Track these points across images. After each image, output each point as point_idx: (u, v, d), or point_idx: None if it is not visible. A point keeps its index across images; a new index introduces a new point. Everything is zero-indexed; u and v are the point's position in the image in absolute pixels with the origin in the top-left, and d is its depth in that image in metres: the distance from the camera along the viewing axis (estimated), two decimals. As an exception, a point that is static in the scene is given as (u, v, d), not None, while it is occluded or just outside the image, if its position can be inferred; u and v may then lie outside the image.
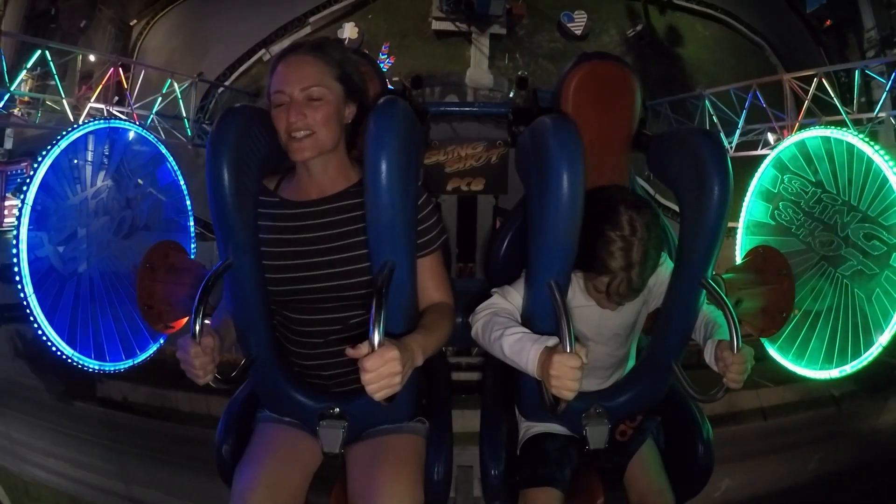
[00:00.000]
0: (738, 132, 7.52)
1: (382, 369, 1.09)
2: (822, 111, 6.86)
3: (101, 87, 7.28)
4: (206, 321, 1.25)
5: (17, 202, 2.08)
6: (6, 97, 5.88)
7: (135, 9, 10.79)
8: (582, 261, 1.40)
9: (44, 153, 2.06)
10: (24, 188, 2.03)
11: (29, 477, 10.07)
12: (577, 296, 1.50)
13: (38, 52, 6.50)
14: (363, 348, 1.09)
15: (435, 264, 1.45)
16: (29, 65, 7.08)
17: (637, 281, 1.37)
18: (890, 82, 6.40)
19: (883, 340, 2.07)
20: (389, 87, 2.12)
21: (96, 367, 2.22)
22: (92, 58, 8.83)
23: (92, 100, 6.86)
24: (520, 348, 1.29)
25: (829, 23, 10.69)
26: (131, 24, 10.74)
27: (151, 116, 7.48)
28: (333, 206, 1.40)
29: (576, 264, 1.39)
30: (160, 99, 7.75)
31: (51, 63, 6.46)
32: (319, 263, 1.39)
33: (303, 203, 1.42)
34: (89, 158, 2.19)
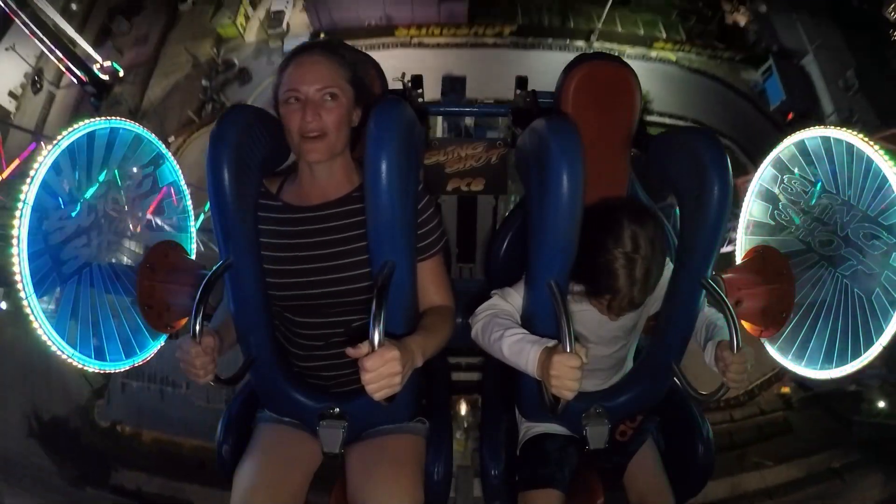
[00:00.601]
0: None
1: (382, 369, 1.09)
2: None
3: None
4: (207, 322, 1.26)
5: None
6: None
7: (172, 127, 11.90)
8: (582, 276, 1.39)
9: (45, 153, 2.05)
10: (25, 188, 2.03)
11: None
12: (578, 298, 1.50)
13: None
14: (363, 348, 1.10)
15: (436, 267, 1.45)
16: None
17: (639, 298, 1.35)
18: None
19: (883, 340, 2.06)
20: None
21: (96, 367, 2.22)
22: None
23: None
24: (519, 349, 1.29)
25: (791, 116, 11.40)
26: (169, 140, 11.67)
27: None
28: (336, 212, 1.40)
29: (576, 277, 1.38)
30: (202, 215, 7.81)
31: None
32: (322, 269, 1.39)
33: (306, 208, 1.41)
34: (90, 158, 2.18)
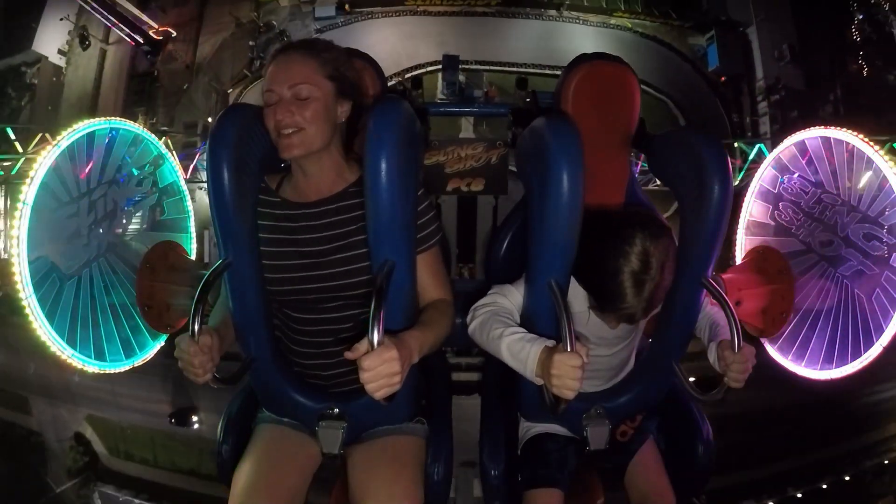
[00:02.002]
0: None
1: (381, 368, 1.09)
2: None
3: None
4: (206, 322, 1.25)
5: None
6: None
7: (227, 77, 13.07)
8: (588, 287, 1.37)
9: (45, 153, 2.06)
10: (25, 188, 2.03)
11: (127, 423, 11.24)
12: (579, 299, 1.49)
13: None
14: (361, 347, 1.09)
15: (433, 261, 1.45)
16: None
17: (643, 315, 1.33)
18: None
19: (883, 340, 2.07)
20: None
21: (97, 368, 2.22)
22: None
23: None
24: (520, 348, 1.28)
25: (724, 78, 13.28)
26: (228, 91, 12.83)
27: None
28: (332, 207, 1.40)
29: (581, 281, 1.37)
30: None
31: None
32: (320, 264, 1.39)
33: (303, 204, 1.42)
34: (91, 159, 2.18)
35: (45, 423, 11.99)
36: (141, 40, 13.29)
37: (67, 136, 2.11)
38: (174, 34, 13.60)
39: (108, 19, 12.70)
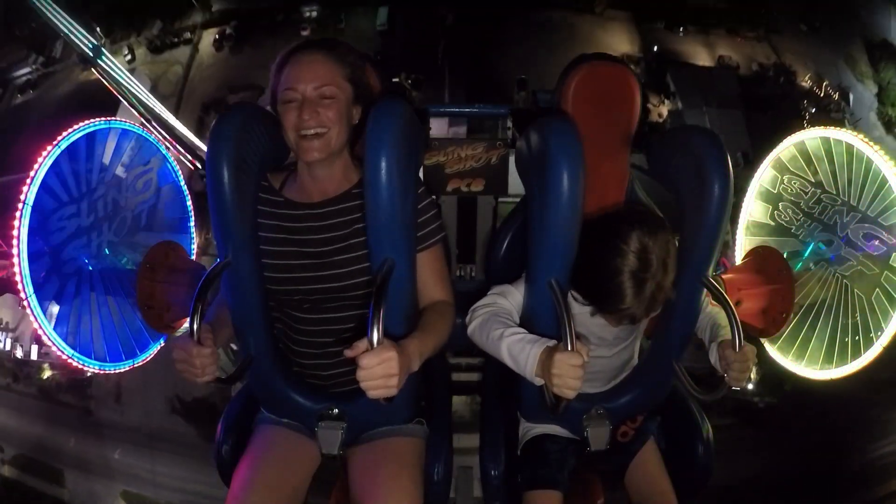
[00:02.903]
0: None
1: (378, 368, 1.09)
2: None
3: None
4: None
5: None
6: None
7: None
8: (588, 290, 1.35)
9: (45, 153, 2.05)
10: (25, 188, 2.03)
11: (164, 501, 11.99)
12: (579, 300, 1.48)
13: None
14: (361, 345, 1.09)
15: (434, 259, 1.44)
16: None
17: (644, 314, 1.31)
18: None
19: (883, 340, 2.07)
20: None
21: (97, 367, 2.22)
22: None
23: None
24: (520, 349, 1.28)
25: None
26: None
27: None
28: (336, 209, 1.40)
29: (581, 290, 1.36)
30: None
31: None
32: (322, 264, 1.39)
33: (306, 204, 1.42)
34: (90, 158, 2.18)
35: (79, 497, 12.12)
36: (200, 166, 13.55)
37: (67, 136, 2.10)
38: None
39: (173, 146, 12.92)
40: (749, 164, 14.20)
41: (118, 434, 13.73)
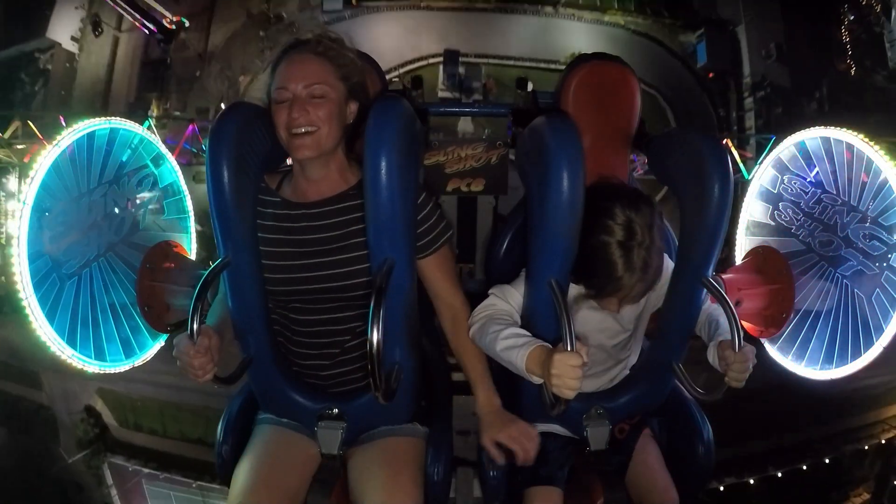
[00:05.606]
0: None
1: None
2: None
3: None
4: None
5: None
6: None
7: (238, 66, 13.60)
8: (580, 271, 1.36)
9: (45, 153, 2.05)
10: (25, 188, 2.03)
11: (137, 395, 11.38)
12: (578, 301, 1.49)
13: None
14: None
15: (444, 262, 1.44)
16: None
17: (641, 287, 1.33)
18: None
19: (883, 340, 2.06)
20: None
21: (97, 367, 2.22)
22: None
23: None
24: (513, 343, 1.29)
25: (711, 75, 13.99)
26: (239, 79, 13.36)
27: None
28: (333, 208, 1.40)
29: (575, 274, 1.37)
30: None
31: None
32: (320, 264, 1.39)
33: (303, 204, 1.42)
34: (90, 158, 2.18)
35: (57, 398, 12.17)
36: (154, 29, 13.52)
37: (67, 136, 2.10)
38: (188, 24, 13.92)
39: (121, 7, 12.90)
40: (781, 55, 13.71)
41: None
